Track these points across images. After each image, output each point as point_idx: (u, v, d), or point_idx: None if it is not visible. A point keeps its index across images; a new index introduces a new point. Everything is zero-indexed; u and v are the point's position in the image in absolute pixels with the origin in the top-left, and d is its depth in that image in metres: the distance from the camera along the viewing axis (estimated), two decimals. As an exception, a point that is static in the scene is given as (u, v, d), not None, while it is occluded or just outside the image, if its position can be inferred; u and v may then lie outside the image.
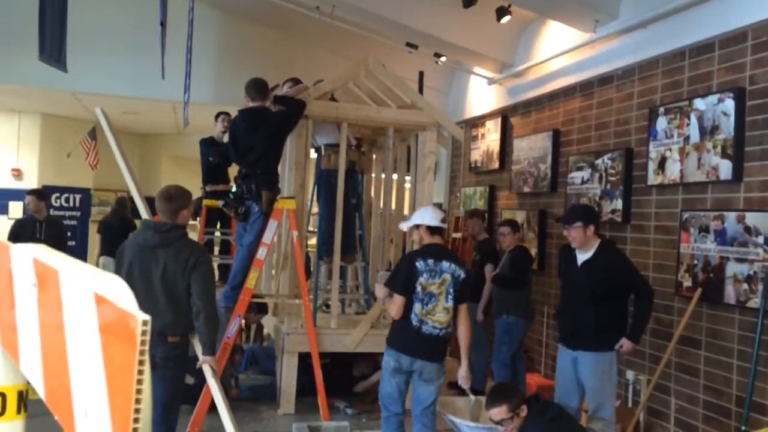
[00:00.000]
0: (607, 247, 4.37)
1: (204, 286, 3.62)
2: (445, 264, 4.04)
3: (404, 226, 4.48)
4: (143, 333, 0.76)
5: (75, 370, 0.97)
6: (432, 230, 4.16)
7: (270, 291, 6.45)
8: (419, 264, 3.99)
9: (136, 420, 0.75)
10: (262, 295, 6.13)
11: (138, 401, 0.76)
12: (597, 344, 4.21)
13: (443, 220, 4.27)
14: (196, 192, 7.60)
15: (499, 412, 3.69)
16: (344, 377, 6.04)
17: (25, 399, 1.56)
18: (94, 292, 0.92)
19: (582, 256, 4.33)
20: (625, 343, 4.21)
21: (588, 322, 4.21)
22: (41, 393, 1.19)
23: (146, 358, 0.77)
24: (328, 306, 6.20)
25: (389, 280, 4.12)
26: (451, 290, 4.01)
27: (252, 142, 5.32)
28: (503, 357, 5.77)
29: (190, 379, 5.66)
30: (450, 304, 4.01)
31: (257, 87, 5.42)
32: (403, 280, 3.99)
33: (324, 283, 6.36)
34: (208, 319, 3.60)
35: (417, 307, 3.96)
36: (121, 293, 0.87)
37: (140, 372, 0.76)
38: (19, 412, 1.56)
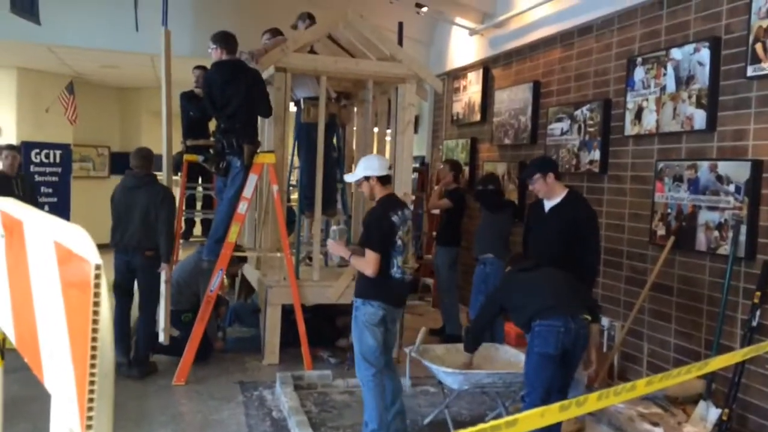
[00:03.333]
0: (575, 197, 4.43)
1: (167, 214, 5.11)
2: (407, 212, 4.01)
3: (351, 179, 4.17)
4: (97, 276, 0.80)
5: (40, 314, 1.02)
6: (383, 180, 3.99)
7: (253, 245, 6.50)
8: (395, 218, 3.89)
9: (93, 357, 0.79)
10: (244, 249, 6.17)
11: (94, 339, 0.80)
12: None
13: (390, 167, 4.28)
14: (177, 147, 7.55)
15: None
16: (327, 329, 6.15)
17: (2, 348, 1.61)
18: (54, 240, 0.96)
19: (549, 203, 4.38)
20: None
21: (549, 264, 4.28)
22: (13, 339, 1.24)
23: (101, 299, 0.81)
24: (311, 259, 6.26)
25: (367, 241, 3.90)
26: (411, 236, 4.06)
27: (229, 95, 5.27)
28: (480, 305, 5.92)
29: (174, 332, 5.76)
30: (413, 249, 4.09)
31: (229, 39, 5.35)
32: (382, 238, 3.85)
33: (307, 236, 6.42)
34: (166, 237, 5.09)
35: (399, 260, 3.89)
36: (79, 241, 0.91)
37: (95, 313, 0.80)
38: (-4, 359, 1.61)
